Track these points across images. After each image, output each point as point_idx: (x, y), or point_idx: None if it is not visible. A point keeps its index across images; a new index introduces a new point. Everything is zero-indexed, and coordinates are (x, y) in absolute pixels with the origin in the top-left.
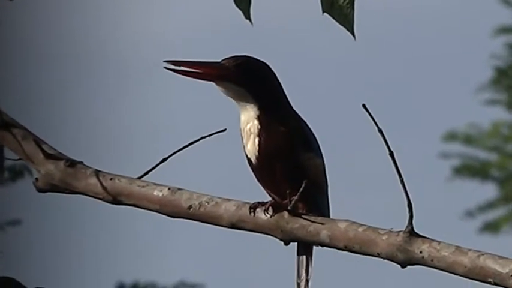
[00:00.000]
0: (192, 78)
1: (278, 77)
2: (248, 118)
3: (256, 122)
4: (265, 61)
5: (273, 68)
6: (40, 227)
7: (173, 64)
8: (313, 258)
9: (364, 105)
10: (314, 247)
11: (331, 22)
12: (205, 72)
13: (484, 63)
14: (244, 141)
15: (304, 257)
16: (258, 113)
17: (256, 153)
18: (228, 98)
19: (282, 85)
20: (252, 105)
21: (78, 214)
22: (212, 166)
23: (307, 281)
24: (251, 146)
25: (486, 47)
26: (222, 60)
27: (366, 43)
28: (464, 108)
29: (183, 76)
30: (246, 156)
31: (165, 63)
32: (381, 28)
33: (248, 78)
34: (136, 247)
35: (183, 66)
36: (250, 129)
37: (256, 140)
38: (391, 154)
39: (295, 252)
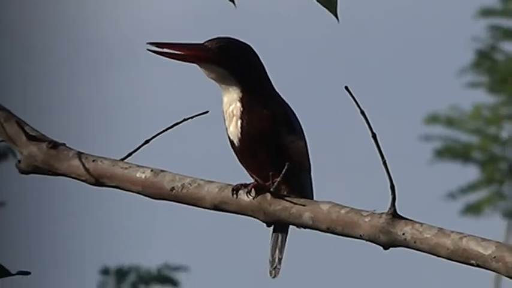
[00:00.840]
0: (175, 60)
1: (261, 59)
2: (231, 100)
3: (238, 104)
4: (248, 43)
5: (256, 51)
6: (24, 209)
7: (156, 46)
8: (287, 237)
9: (346, 87)
10: (291, 227)
11: (315, 4)
12: (188, 54)
13: (466, 46)
14: (227, 123)
15: (280, 235)
16: (240, 95)
17: (239, 135)
18: (211, 80)
19: (265, 67)
20: (235, 87)
21: (63, 196)
22: (195, 148)
23: (279, 259)
24: (233, 128)
25: (468, 29)
26: (205, 42)
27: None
28: (446, 90)
29: (166, 58)
30: (229, 138)
31: (148, 45)
32: (363, 11)
33: (231, 60)
34: (120, 229)
35: (166, 48)
36: (232, 111)
37: (239, 122)
38: (374, 136)
39: (271, 229)
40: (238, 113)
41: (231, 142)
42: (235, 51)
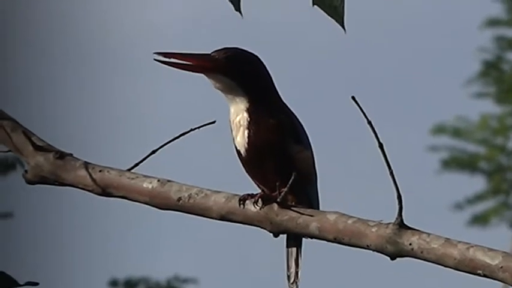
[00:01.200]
0: (182, 70)
1: (268, 69)
2: (237, 110)
3: (245, 115)
4: (255, 53)
5: (263, 61)
6: (32, 220)
7: (163, 56)
8: (302, 250)
9: (353, 97)
10: (303, 239)
11: (321, 14)
12: (195, 64)
13: (472, 57)
14: (234, 133)
15: (294, 248)
16: (247, 105)
17: (246, 146)
18: (218, 90)
19: (272, 78)
20: (242, 97)
21: (70, 207)
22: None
23: (296, 272)
24: (240, 139)
25: (474, 40)
26: (212, 52)
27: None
28: (452, 101)
29: (173, 68)
30: (236, 148)
31: (155, 55)
32: (370, 21)
33: (238, 71)
34: (129, 241)
35: (173, 58)
36: (239, 122)
37: (246, 132)
38: (381, 146)
39: (285, 244)
40: (245, 124)
41: (238, 152)
42: (243, 62)
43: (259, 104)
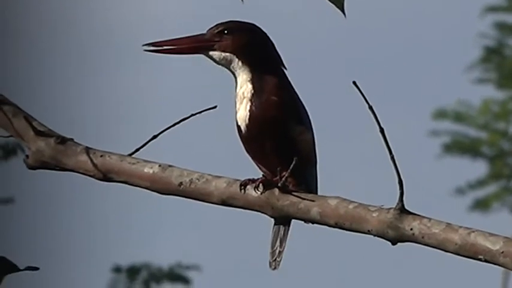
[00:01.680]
0: (177, 55)
1: (271, 40)
2: (242, 82)
3: (250, 86)
4: (252, 22)
5: (263, 30)
6: (33, 206)
7: (153, 46)
8: (289, 230)
9: (354, 82)
10: (300, 222)
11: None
12: (188, 46)
13: (473, 42)
14: (237, 106)
15: (282, 227)
16: (250, 75)
17: (247, 121)
18: (220, 66)
19: (277, 50)
20: (244, 68)
21: (72, 192)
22: (203, 143)
23: (280, 252)
24: (242, 111)
25: (475, 26)
26: (207, 30)
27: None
28: (454, 86)
29: (167, 54)
30: (237, 124)
31: (145, 46)
32: (371, 6)
33: (234, 42)
34: (131, 226)
35: (165, 45)
36: (243, 93)
37: (248, 105)
38: (382, 131)
39: (273, 222)
40: (249, 95)
41: (239, 128)
42: (238, 32)
43: (264, 75)
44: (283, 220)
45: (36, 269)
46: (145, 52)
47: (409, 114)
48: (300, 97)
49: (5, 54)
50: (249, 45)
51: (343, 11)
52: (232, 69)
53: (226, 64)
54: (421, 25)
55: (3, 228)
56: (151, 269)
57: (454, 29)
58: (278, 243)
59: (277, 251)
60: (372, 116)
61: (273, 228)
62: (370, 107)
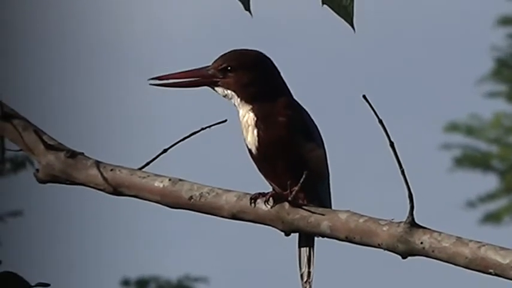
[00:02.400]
0: (180, 88)
1: (274, 66)
2: (244, 111)
3: (251, 115)
4: (257, 50)
5: (267, 58)
6: (42, 219)
7: (159, 79)
8: (314, 249)
9: (364, 96)
10: (315, 238)
11: (331, 13)
12: (193, 81)
13: (485, 55)
14: (244, 133)
15: (306, 248)
16: (252, 106)
17: (256, 144)
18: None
19: (280, 74)
20: (244, 101)
21: (81, 206)
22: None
23: (309, 272)
24: (250, 138)
25: (487, 38)
26: (212, 63)
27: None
28: (465, 99)
29: (171, 88)
30: (247, 147)
31: (150, 81)
32: (381, 19)
33: (236, 81)
34: (140, 239)
35: (170, 79)
36: (247, 122)
37: (255, 131)
38: (392, 145)
39: (297, 243)
40: (253, 123)
41: (250, 151)
42: (241, 69)
43: (266, 103)
44: (306, 241)
45: (47, 285)
46: (156, 64)
47: (420, 128)
48: (309, 113)
49: (16, 69)
50: (251, 83)
51: (352, 25)
52: (235, 101)
53: (229, 98)
54: (433, 37)
55: (11, 241)
56: (159, 281)
57: (466, 42)
58: (306, 263)
59: (306, 272)
60: (382, 129)
61: (298, 250)
62: (380, 121)
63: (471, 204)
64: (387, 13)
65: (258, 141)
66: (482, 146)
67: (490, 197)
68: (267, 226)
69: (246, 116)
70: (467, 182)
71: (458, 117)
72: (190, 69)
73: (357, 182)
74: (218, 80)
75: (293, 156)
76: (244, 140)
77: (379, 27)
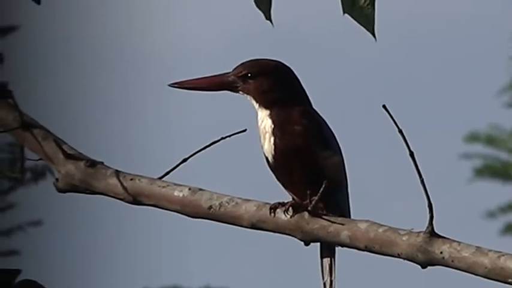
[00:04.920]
0: (201, 92)
1: (293, 74)
2: (263, 117)
3: (269, 121)
4: (277, 60)
5: (286, 67)
6: (61, 228)
7: (179, 85)
8: (335, 258)
9: (384, 106)
10: (336, 248)
11: (352, 22)
12: (213, 87)
13: (505, 65)
14: (261, 140)
15: (327, 257)
16: (270, 112)
17: (273, 153)
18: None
19: (299, 83)
20: (263, 107)
21: (100, 216)
22: (232, 166)
23: (331, 281)
24: (267, 146)
25: (507, 48)
26: (232, 70)
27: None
28: (486, 110)
29: (191, 91)
30: (264, 155)
31: (170, 86)
32: (401, 29)
33: (255, 88)
34: (159, 249)
35: (190, 84)
36: (265, 128)
37: (272, 139)
38: (411, 154)
39: (319, 253)
40: (270, 130)
41: (267, 159)
42: (261, 77)
43: (284, 110)
44: (327, 250)
45: None
46: (176, 73)
47: (441, 138)
48: (327, 123)
49: (36, 79)
50: (270, 90)
51: (373, 34)
52: (254, 105)
53: (249, 100)
54: (453, 48)
55: (32, 250)
56: None
57: (486, 52)
58: (328, 273)
59: (328, 281)
60: (401, 139)
61: (320, 260)
62: (400, 131)
63: (491, 215)
64: (408, 23)
65: (275, 150)
66: (503, 156)
67: (511, 207)
68: (286, 236)
69: (265, 121)
70: (487, 192)
71: (478, 127)
72: (210, 75)
73: (378, 192)
74: (238, 85)
75: (309, 165)
76: (262, 147)
77: (400, 37)
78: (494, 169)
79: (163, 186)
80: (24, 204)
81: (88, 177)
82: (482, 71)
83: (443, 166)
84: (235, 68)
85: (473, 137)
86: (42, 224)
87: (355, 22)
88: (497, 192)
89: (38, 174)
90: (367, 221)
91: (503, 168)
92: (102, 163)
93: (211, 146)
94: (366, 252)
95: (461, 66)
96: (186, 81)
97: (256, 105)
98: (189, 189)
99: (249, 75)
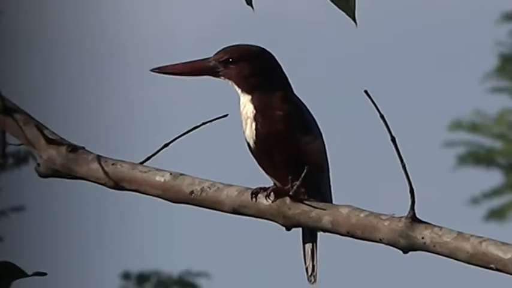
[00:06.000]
0: (181, 76)
1: (275, 60)
2: (245, 102)
3: (251, 106)
4: (258, 46)
5: (268, 52)
6: (44, 213)
7: (160, 70)
8: (318, 243)
9: (366, 91)
10: (318, 233)
11: (333, 7)
12: (194, 72)
13: (489, 51)
14: (243, 125)
15: (309, 242)
16: (251, 98)
17: (254, 138)
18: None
19: (281, 68)
20: (245, 92)
21: (82, 200)
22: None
23: (313, 266)
24: (249, 131)
25: (491, 34)
26: (213, 55)
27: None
28: (469, 96)
29: (172, 76)
30: (246, 140)
31: (151, 71)
32: (383, 15)
33: (237, 72)
34: (141, 234)
35: (171, 69)
36: (246, 113)
37: (253, 124)
38: (393, 140)
39: (301, 238)
40: (252, 115)
41: (248, 145)
42: (242, 62)
43: (265, 96)
44: (309, 236)
45: (44, 274)
46: (159, 60)
47: (424, 125)
48: (308, 108)
49: (18, 63)
50: (252, 75)
51: (354, 19)
52: (236, 90)
53: (231, 85)
54: (437, 33)
55: (14, 235)
56: (160, 275)
57: (469, 38)
58: (310, 258)
59: (310, 266)
60: (383, 124)
61: (303, 245)
62: (382, 116)
63: (475, 201)
64: (390, 9)
65: (256, 135)
66: (487, 142)
67: (494, 193)
68: (267, 221)
69: (247, 107)
70: (471, 179)
71: (462, 113)
72: (191, 60)
73: (359, 177)
74: (219, 70)
75: (290, 150)
76: (243, 133)
77: (382, 23)
78: (478, 155)
79: (145, 172)
80: (6, 189)
81: (70, 162)
82: (465, 57)
83: (428, 154)
84: (216, 53)
85: (457, 125)
86: (24, 209)
87: (337, 7)
88: (481, 178)
89: (21, 160)
90: (348, 206)
91: (487, 155)
92: (83, 148)
93: (193, 131)
94: (348, 238)
95: (445, 52)
96: (167, 66)
97: (239, 91)
98: (171, 174)
99: (231, 60)
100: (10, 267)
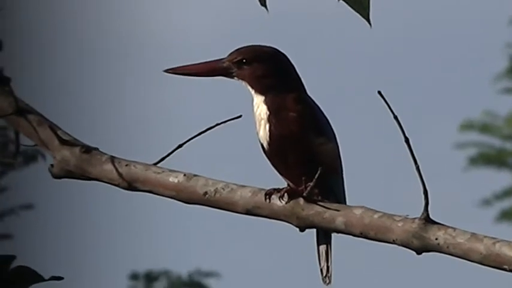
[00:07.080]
0: (195, 77)
1: (288, 61)
2: (258, 103)
3: (264, 107)
4: (272, 47)
5: (281, 54)
6: (53, 212)
7: (173, 71)
8: (332, 244)
9: (379, 92)
10: (332, 234)
11: (348, 9)
12: (207, 73)
13: (500, 52)
14: (257, 126)
15: (324, 243)
16: (265, 99)
17: (268, 139)
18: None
19: (294, 69)
20: (258, 93)
21: (92, 200)
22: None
23: (327, 267)
24: (262, 132)
25: (502, 36)
26: (227, 56)
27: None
28: (480, 97)
29: (186, 76)
30: (259, 142)
31: (165, 72)
32: (397, 16)
33: (250, 73)
34: (151, 234)
35: (184, 70)
36: (260, 114)
37: (267, 126)
38: (407, 141)
39: (315, 240)
40: (265, 117)
41: (262, 146)
42: (256, 63)
43: (279, 97)
44: (323, 237)
45: (61, 278)
46: (173, 61)
47: (436, 127)
48: (322, 109)
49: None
50: (265, 76)
51: (368, 20)
52: (249, 90)
53: (244, 86)
54: (448, 35)
55: (23, 233)
56: (170, 276)
57: (481, 39)
58: (324, 259)
59: (325, 267)
60: (397, 125)
61: (317, 246)
62: (395, 117)
63: (487, 202)
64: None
65: (270, 136)
66: (498, 142)
67: (506, 194)
68: (281, 222)
69: (260, 108)
70: (482, 180)
71: (473, 114)
72: (205, 61)
73: (373, 178)
74: (233, 71)
75: (304, 151)
76: (257, 134)
77: (396, 24)
78: (489, 156)
79: (159, 172)
80: (16, 188)
81: (83, 163)
82: (477, 57)
83: (440, 155)
84: (230, 54)
85: (468, 126)
86: (34, 207)
87: (351, 9)
88: (492, 179)
89: (30, 158)
90: (362, 207)
91: (497, 156)
92: (97, 149)
93: (207, 132)
94: (361, 239)
95: (457, 54)
96: (180, 67)
97: (252, 91)
98: (184, 175)
99: (244, 61)
100: (26, 271)
